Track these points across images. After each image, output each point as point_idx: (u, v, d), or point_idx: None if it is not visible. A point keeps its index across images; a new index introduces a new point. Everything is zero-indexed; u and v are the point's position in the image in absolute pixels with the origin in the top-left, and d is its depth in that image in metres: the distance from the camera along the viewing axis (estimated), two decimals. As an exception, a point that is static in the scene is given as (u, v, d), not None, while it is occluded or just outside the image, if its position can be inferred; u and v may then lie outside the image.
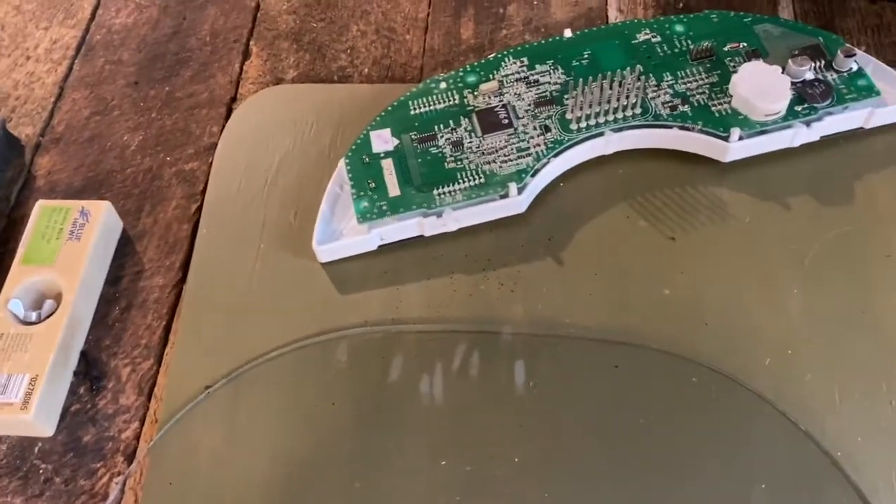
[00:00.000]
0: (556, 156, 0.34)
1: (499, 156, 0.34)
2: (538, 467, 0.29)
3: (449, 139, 0.35)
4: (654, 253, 0.33)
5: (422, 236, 0.34)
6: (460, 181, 0.34)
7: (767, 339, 0.31)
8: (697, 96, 0.35)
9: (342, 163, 0.35)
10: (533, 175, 0.34)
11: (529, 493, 0.29)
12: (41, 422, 0.31)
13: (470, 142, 0.35)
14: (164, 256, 0.36)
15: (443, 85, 0.36)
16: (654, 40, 0.37)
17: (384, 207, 0.33)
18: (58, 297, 0.33)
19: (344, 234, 0.34)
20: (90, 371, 0.33)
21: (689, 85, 0.35)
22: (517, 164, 0.34)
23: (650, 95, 0.35)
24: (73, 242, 0.34)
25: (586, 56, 0.37)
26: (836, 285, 0.32)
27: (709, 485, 0.28)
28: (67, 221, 0.34)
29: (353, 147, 0.35)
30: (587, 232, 0.34)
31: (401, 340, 0.32)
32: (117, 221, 0.36)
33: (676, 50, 0.36)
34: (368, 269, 0.34)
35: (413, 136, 0.35)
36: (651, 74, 0.35)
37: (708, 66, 0.36)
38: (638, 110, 0.34)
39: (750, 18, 0.37)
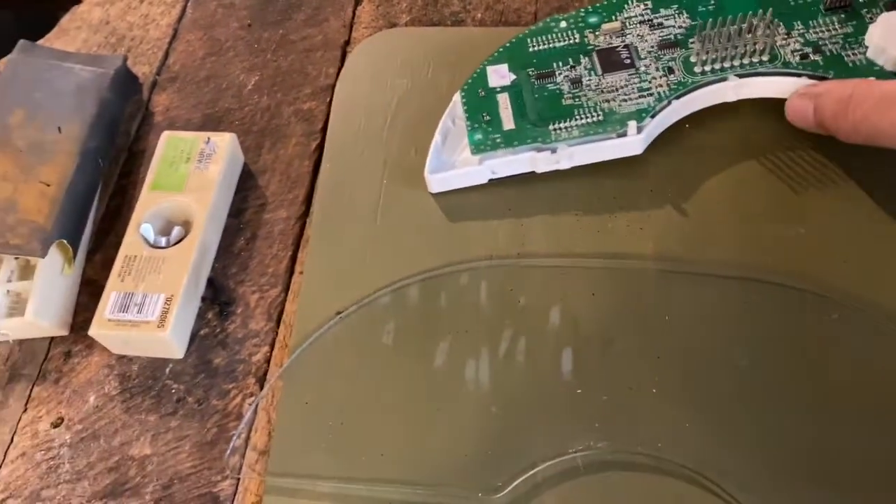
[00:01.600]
0: (678, 97, 0.34)
1: (619, 94, 0.34)
2: (677, 398, 0.29)
3: (567, 76, 0.35)
4: (786, 194, 0.33)
5: (534, 173, 0.34)
6: (577, 117, 0.33)
7: (908, 279, 0.30)
8: (830, 46, 0.34)
9: (457, 96, 0.35)
10: (653, 116, 0.33)
11: (668, 423, 0.28)
12: (176, 341, 0.31)
13: (589, 79, 0.34)
14: (286, 191, 0.36)
15: (563, 24, 0.36)
16: None
17: (498, 140, 0.33)
18: (185, 225, 0.33)
19: (456, 164, 0.34)
20: (218, 296, 0.33)
21: (821, 34, 0.34)
22: (638, 103, 0.33)
23: (779, 43, 0.34)
24: (200, 171, 0.34)
25: (713, 2, 0.36)
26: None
27: (848, 424, 0.28)
28: (195, 150, 0.35)
29: (469, 81, 0.35)
30: (714, 178, 0.34)
31: (528, 274, 0.32)
32: (240, 154, 0.36)
33: None
34: (492, 205, 0.34)
35: (531, 72, 0.35)
36: (781, 22, 0.35)
37: (843, 16, 0.35)
38: (766, 57, 0.34)
39: None
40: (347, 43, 0.41)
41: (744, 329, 0.30)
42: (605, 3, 0.37)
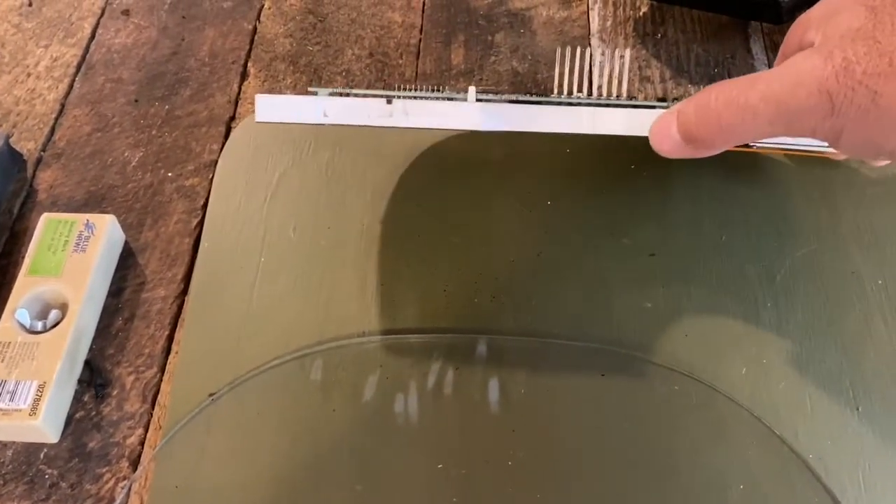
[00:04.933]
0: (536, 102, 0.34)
1: None
2: (530, 470, 0.31)
3: None
4: (635, 268, 0.35)
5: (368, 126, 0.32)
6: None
7: (743, 350, 0.33)
8: None
9: None
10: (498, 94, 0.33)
11: (522, 495, 0.30)
12: (49, 427, 0.32)
13: None
14: (165, 269, 0.37)
15: None
16: None
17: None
18: (63, 307, 0.34)
19: (289, 92, 0.34)
20: (95, 379, 0.34)
21: None
22: None
23: None
24: (78, 254, 0.35)
25: None
26: (806, 299, 0.34)
27: (690, 486, 0.30)
28: (73, 233, 0.35)
29: None
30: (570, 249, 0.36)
31: (396, 350, 0.34)
32: (121, 234, 0.37)
33: None
34: (365, 282, 0.35)
35: None
36: None
37: None
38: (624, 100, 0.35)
39: None
40: (233, 118, 0.42)
41: (594, 400, 0.32)
42: None
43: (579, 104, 0.34)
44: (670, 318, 0.34)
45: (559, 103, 0.34)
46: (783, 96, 0.26)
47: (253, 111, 0.41)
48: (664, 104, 0.34)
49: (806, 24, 0.29)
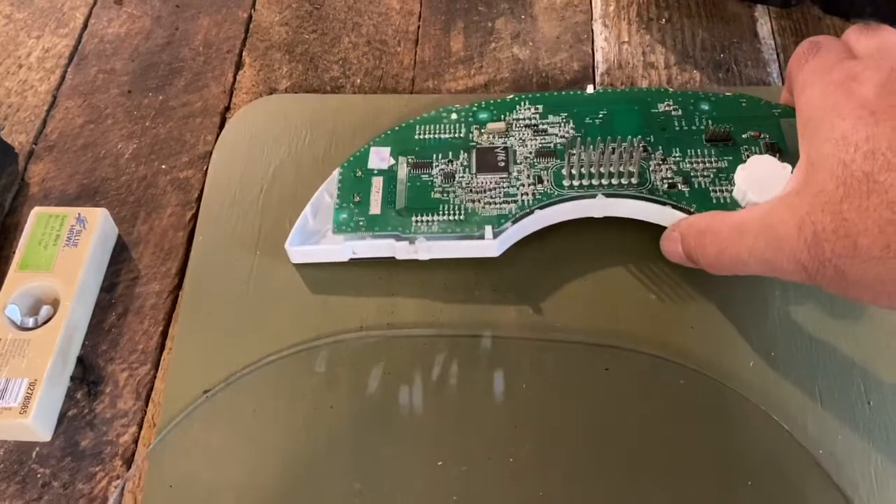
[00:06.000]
0: (541, 208, 0.33)
1: (485, 196, 0.34)
2: (532, 467, 0.30)
3: (443, 170, 0.35)
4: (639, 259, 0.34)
5: (394, 258, 0.34)
6: (441, 213, 0.34)
7: (751, 343, 0.32)
8: (701, 178, 0.33)
9: (336, 172, 0.35)
10: (514, 222, 0.33)
11: (524, 493, 0.29)
12: (40, 426, 0.31)
13: (461, 176, 0.34)
14: (159, 263, 0.36)
15: (454, 116, 0.37)
16: (674, 113, 0.36)
17: (361, 223, 0.33)
18: (55, 303, 0.33)
19: (319, 240, 0.34)
20: (87, 376, 0.33)
21: (695, 165, 0.34)
22: (500, 208, 0.33)
23: (652, 168, 0.34)
24: (70, 249, 0.34)
25: (601, 116, 0.36)
26: (815, 291, 0.33)
27: (697, 482, 0.29)
28: (64, 228, 0.35)
29: (351, 158, 0.36)
30: (573, 252, 0.35)
31: (396, 344, 0.33)
32: (113, 228, 0.36)
33: (694, 127, 0.35)
34: (363, 276, 0.35)
35: (410, 160, 0.35)
36: (661, 147, 0.35)
37: (721, 149, 0.34)
38: (635, 179, 0.33)
39: (779, 111, 0.36)
40: (227, 109, 0.41)
41: (598, 396, 0.31)
42: (499, 101, 0.37)
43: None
44: (676, 310, 0.33)
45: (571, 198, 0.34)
46: (768, 255, 0.28)
47: (248, 101, 0.41)
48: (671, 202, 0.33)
49: (793, 81, 0.30)
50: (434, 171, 0.35)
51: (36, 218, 0.35)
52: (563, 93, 0.37)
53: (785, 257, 0.27)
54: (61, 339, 0.32)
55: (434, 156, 0.35)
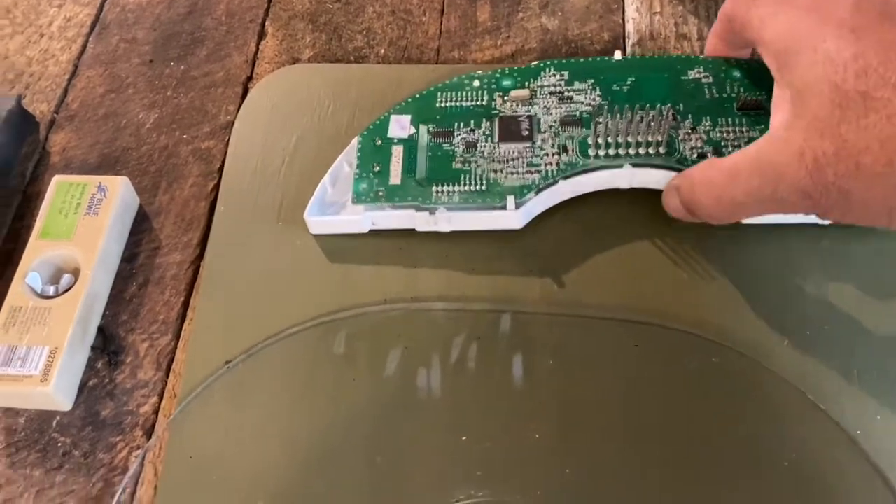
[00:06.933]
0: (565, 178, 0.33)
1: (508, 166, 0.33)
2: (558, 444, 0.29)
3: (465, 139, 0.34)
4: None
5: (415, 230, 0.34)
6: (462, 183, 0.33)
7: (786, 320, 0.31)
8: (732, 148, 0.32)
9: (355, 140, 0.35)
10: (537, 192, 0.32)
11: (549, 470, 0.29)
12: (60, 394, 0.31)
13: (484, 145, 0.34)
14: (181, 233, 0.35)
15: (476, 83, 0.36)
16: (704, 80, 0.34)
17: (381, 193, 0.33)
18: (75, 272, 0.33)
19: (339, 210, 0.34)
20: (108, 346, 0.33)
21: (726, 134, 0.33)
22: (524, 178, 0.32)
23: (681, 137, 0.33)
24: (90, 217, 0.34)
25: (629, 83, 0.35)
26: (855, 265, 0.32)
27: (731, 462, 0.28)
28: (85, 196, 0.34)
29: (370, 127, 0.35)
30: (602, 222, 0.34)
31: (418, 318, 0.32)
32: (134, 197, 0.36)
33: (725, 95, 0.34)
34: (384, 248, 0.34)
35: (431, 129, 0.34)
36: (691, 115, 0.33)
37: (753, 118, 0.33)
38: (663, 149, 0.32)
39: None
40: (250, 79, 0.40)
41: (627, 372, 0.30)
42: (523, 67, 0.36)
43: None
44: (706, 285, 0.32)
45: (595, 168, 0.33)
46: (766, 192, 0.27)
47: (270, 71, 0.40)
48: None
49: (747, 19, 0.30)
50: (455, 140, 0.34)
51: (56, 186, 0.35)
52: (590, 59, 0.36)
53: (786, 189, 0.27)
54: (82, 307, 0.32)
55: (456, 124, 0.35)
